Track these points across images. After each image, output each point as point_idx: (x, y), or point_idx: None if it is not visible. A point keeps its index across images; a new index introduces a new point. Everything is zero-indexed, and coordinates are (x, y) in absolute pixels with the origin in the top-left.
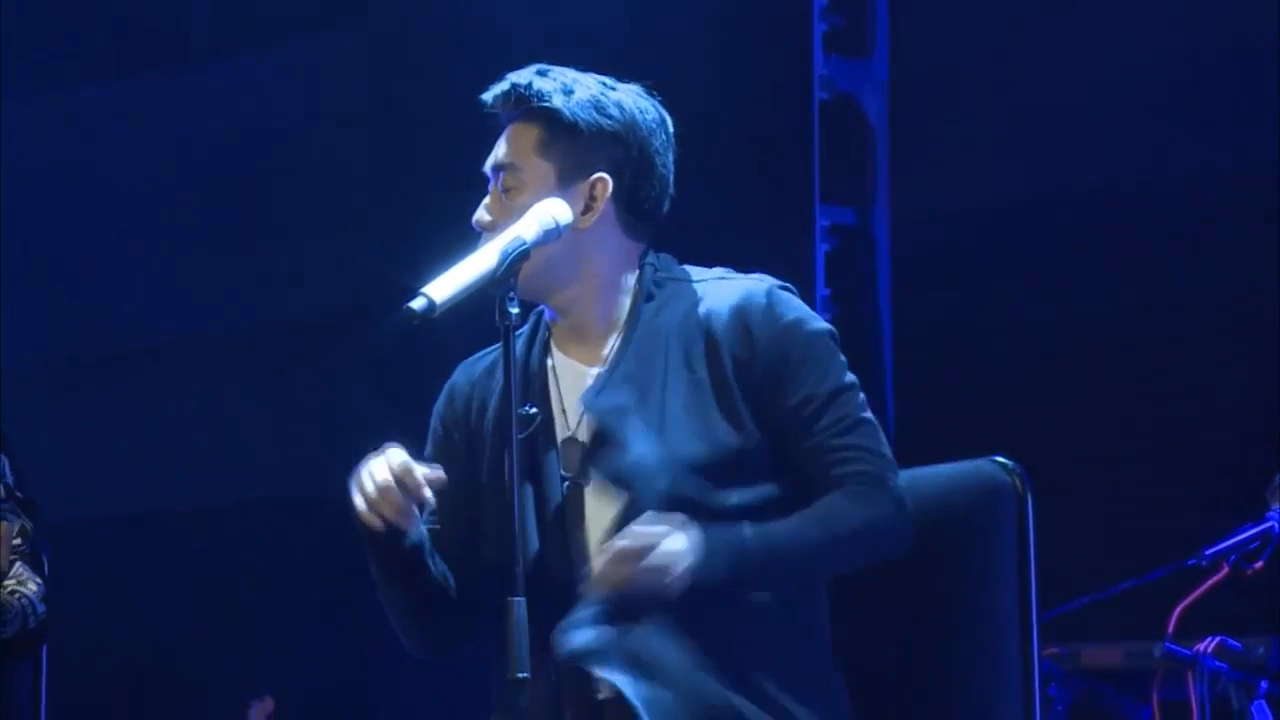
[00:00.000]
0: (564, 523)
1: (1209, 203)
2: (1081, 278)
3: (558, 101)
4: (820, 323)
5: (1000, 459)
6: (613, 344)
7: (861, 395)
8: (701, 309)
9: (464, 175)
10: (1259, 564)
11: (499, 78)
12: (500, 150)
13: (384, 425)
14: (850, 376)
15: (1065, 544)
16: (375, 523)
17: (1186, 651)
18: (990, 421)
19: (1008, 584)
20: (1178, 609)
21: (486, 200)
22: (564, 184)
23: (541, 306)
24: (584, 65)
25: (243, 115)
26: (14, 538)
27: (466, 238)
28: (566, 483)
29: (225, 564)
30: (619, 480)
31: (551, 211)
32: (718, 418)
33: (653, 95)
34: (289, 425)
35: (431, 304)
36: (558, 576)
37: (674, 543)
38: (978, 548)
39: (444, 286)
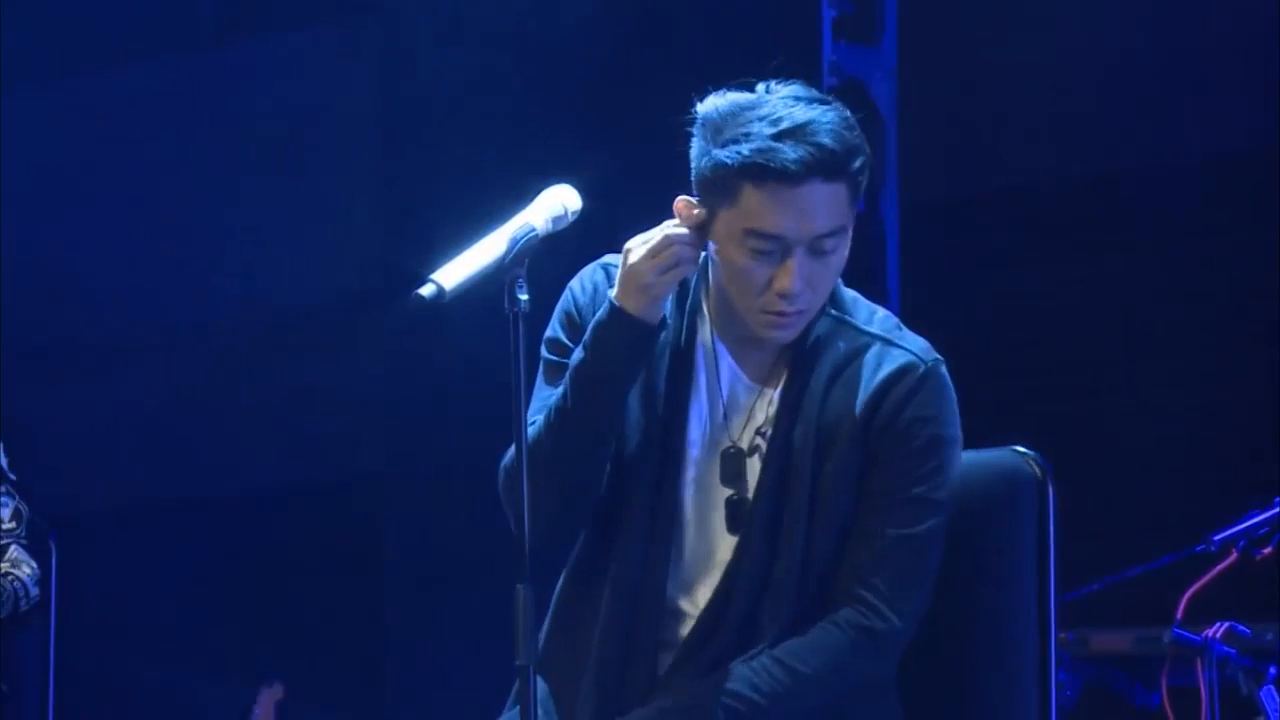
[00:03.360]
0: (704, 533)
1: (1221, 189)
2: (1091, 265)
3: (863, 157)
4: (953, 428)
5: (1021, 448)
6: (783, 373)
7: (938, 521)
8: (863, 370)
9: (473, 162)
10: (1268, 549)
11: (793, 141)
12: (824, 219)
13: (394, 411)
14: (943, 495)
15: (1074, 530)
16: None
17: (1195, 637)
18: (1000, 409)
19: (1026, 573)
20: (1186, 595)
21: (796, 269)
22: (853, 220)
23: (699, 280)
24: (593, 51)
25: (252, 101)
26: (9, 521)
27: (475, 224)
28: (730, 496)
29: (235, 550)
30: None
31: (561, 199)
32: (849, 493)
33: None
34: (300, 412)
35: (441, 291)
36: (659, 584)
37: None
38: (997, 536)
39: (453, 273)
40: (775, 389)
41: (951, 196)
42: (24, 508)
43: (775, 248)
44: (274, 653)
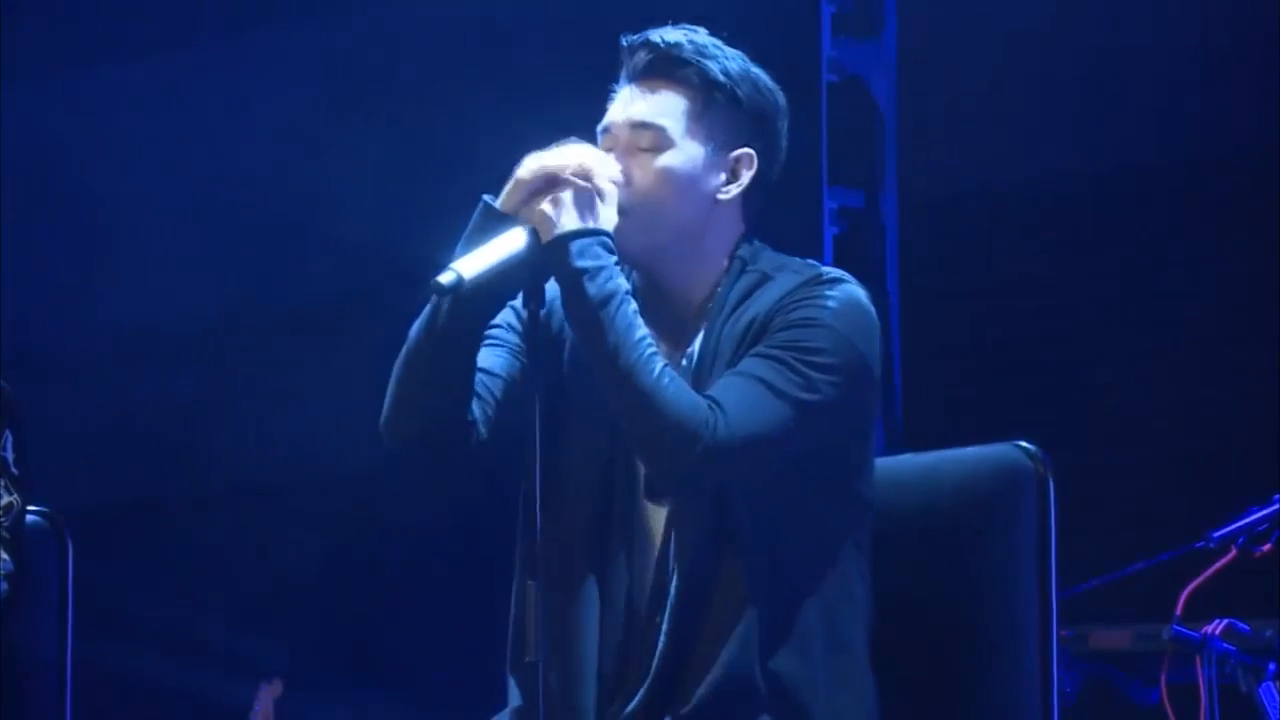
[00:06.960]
0: (636, 504)
1: (1219, 187)
2: (1092, 262)
3: (717, 69)
4: (847, 319)
5: (1023, 444)
6: (699, 336)
7: (806, 377)
8: (772, 289)
9: (476, 157)
10: (1267, 546)
11: (638, 35)
12: (642, 107)
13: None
14: (820, 359)
15: (1073, 527)
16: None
17: (1194, 634)
18: (998, 405)
19: (1027, 569)
20: (1185, 591)
21: (617, 155)
22: (711, 153)
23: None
24: (592, 44)
25: (250, 97)
26: None
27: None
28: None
29: (234, 546)
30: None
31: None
32: None
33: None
34: (298, 408)
35: (460, 279)
36: (614, 558)
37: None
38: (998, 531)
39: (474, 263)
40: (692, 348)
41: (950, 191)
42: (18, 501)
43: (610, 145)
44: (273, 649)
